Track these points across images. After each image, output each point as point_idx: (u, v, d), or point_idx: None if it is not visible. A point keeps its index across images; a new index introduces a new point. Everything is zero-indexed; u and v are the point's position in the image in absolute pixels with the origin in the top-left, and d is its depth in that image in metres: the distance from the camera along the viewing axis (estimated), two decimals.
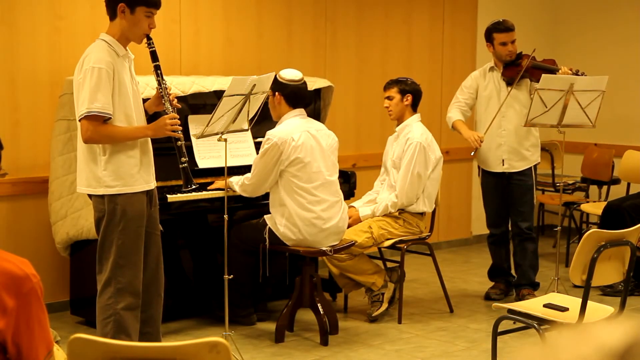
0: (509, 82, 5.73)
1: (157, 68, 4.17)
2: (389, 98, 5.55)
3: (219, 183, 5.15)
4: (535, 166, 5.87)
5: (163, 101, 4.19)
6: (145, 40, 4.15)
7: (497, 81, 5.80)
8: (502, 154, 5.80)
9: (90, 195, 4.20)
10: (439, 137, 7.52)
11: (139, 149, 4.13)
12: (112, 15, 4.11)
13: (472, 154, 5.74)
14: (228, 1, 6.20)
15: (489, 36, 5.81)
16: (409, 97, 5.52)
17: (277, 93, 4.97)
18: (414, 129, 5.50)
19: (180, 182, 4.29)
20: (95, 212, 4.17)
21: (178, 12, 5.90)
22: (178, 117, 4.16)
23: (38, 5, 5.33)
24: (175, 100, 4.25)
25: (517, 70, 5.69)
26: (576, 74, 5.60)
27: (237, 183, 5.02)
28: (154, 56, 4.16)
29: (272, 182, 4.96)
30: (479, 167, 6.03)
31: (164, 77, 4.24)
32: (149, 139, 4.22)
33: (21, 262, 2.04)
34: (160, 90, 4.19)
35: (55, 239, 5.21)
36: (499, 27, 5.77)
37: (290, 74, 5.02)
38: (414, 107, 5.57)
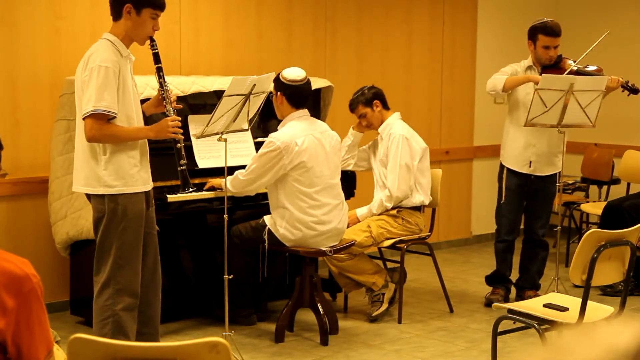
0: None
1: (159, 70, 4.19)
2: (363, 116, 5.59)
3: (213, 182, 5.10)
4: (559, 173, 5.73)
5: (164, 103, 4.21)
6: (148, 41, 4.16)
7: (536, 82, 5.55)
8: (531, 156, 5.69)
9: (88, 196, 4.18)
10: (439, 137, 7.53)
11: (139, 149, 4.13)
12: (117, 15, 4.11)
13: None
14: (228, 1, 6.20)
15: (533, 35, 5.64)
16: (377, 103, 5.58)
17: (279, 93, 4.95)
18: (395, 126, 5.53)
19: (178, 183, 4.30)
20: (95, 212, 4.15)
21: (178, 12, 5.90)
22: (180, 119, 4.18)
23: (38, 5, 5.33)
24: (175, 102, 4.27)
25: (558, 73, 5.48)
26: (626, 84, 5.54)
27: (228, 179, 4.88)
28: (156, 58, 4.17)
29: (265, 183, 4.92)
30: (501, 165, 5.85)
31: (166, 78, 4.25)
32: (147, 141, 4.23)
33: (21, 262, 2.04)
34: (162, 92, 4.20)
35: (55, 239, 5.21)
36: (546, 29, 5.57)
37: (292, 74, 4.97)
38: (385, 106, 5.62)
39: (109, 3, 4.16)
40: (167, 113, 4.19)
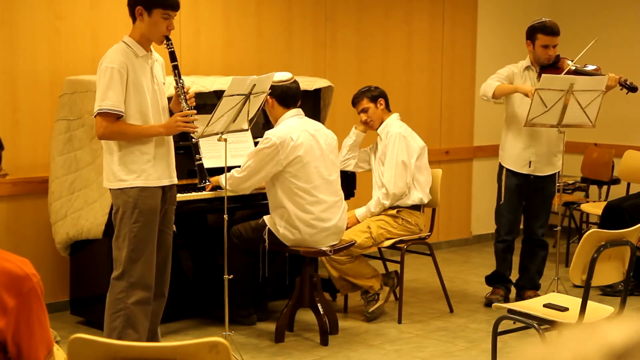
0: None
1: (175, 68, 4.30)
2: (364, 110, 5.60)
3: (214, 180, 5.09)
4: (558, 173, 5.73)
5: (180, 100, 4.30)
6: (165, 40, 4.28)
7: (534, 82, 5.57)
8: (530, 156, 5.67)
9: (110, 190, 4.32)
10: (439, 137, 7.53)
11: (153, 145, 4.23)
12: (133, 18, 4.24)
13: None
14: (228, 1, 6.20)
15: (531, 34, 5.64)
16: (382, 101, 5.60)
17: (268, 97, 4.98)
18: (393, 125, 5.56)
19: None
20: (113, 206, 4.30)
21: (178, 12, 5.88)
22: (194, 113, 4.26)
23: (38, 5, 5.33)
24: (193, 99, 4.34)
25: (556, 73, 5.47)
26: (625, 82, 5.53)
27: (225, 177, 4.88)
28: (172, 56, 4.30)
29: (260, 180, 4.93)
30: (500, 166, 5.84)
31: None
32: (171, 138, 4.33)
33: (21, 261, 2.04)
34: (178, 89, 4.30)
35: (55, 239, 5.21)
36: (546, 28, 5.57)
37: (278, 76, 5.01)
38: (388, 107, 5.65)
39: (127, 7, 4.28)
40: (182, 110, 4.28)
